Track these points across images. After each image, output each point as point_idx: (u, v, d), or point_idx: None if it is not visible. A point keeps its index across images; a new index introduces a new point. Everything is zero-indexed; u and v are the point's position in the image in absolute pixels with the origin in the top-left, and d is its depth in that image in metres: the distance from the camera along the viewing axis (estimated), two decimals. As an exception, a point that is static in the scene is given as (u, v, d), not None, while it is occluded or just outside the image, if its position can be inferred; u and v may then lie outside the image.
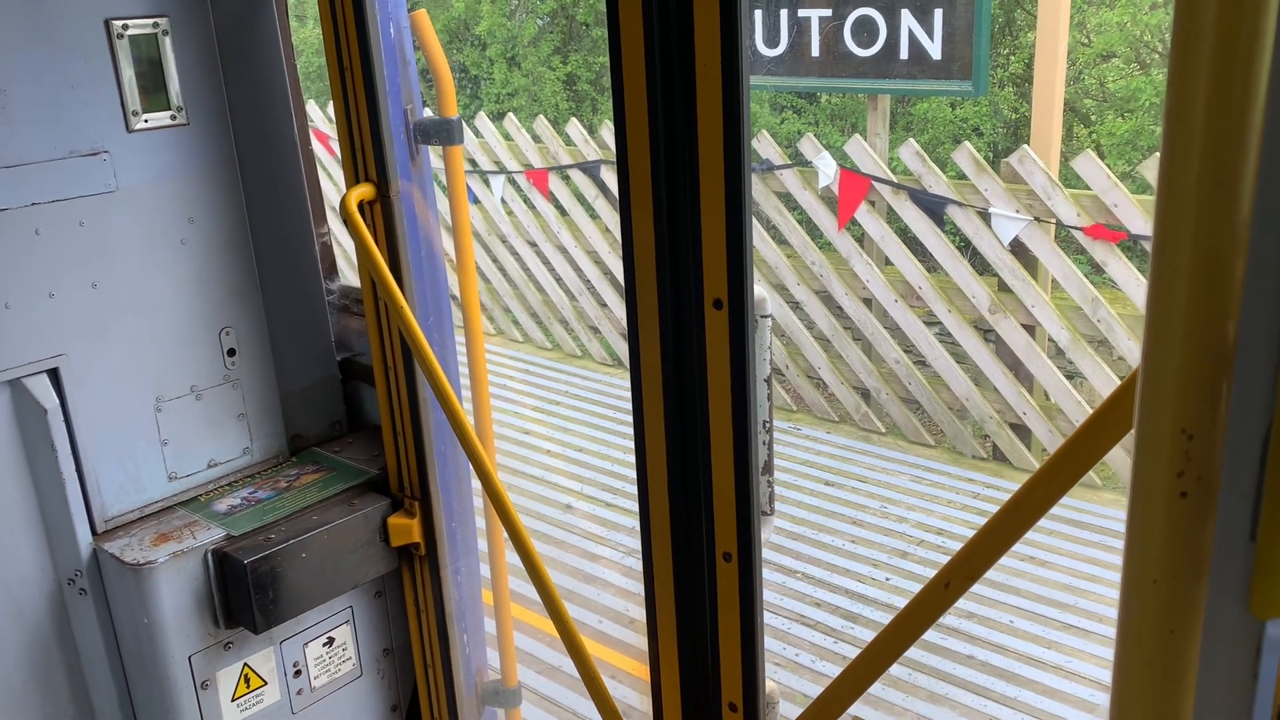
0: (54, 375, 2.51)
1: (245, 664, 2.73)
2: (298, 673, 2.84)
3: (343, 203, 2.47)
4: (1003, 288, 6.60)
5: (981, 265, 6.81)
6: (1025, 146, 6.39)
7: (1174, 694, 0.69)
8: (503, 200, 9.19)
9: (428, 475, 2.65)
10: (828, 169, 7.04)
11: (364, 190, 2.49)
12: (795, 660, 4.91)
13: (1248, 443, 0.64)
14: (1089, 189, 6.16)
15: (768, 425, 1.58)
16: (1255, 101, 0.57)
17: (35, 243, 2.44)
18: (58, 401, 2.51)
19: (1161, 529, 0.64)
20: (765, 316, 1.54)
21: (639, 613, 5.34)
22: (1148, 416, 0.62)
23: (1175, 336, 0.60)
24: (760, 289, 1.57)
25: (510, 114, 9.54)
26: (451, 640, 2.95)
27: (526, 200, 9.15)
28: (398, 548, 2.79)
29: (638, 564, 5.78)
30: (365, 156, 2.52)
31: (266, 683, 2.78)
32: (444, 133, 2.60)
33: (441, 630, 2.93)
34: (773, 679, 4.59)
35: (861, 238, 7.37)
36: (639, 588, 5.55)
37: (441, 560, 2.74)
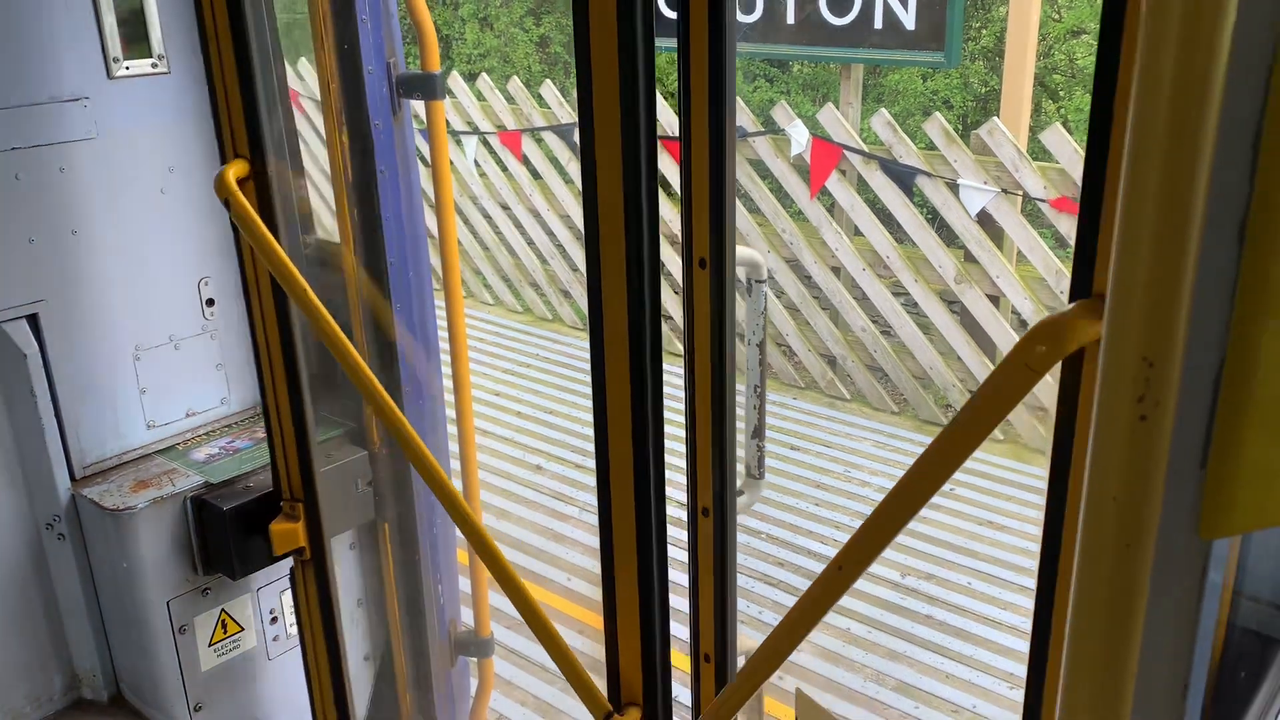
0: (33, 321, 2.52)
1: (223, 609, 2.77)
2: (274, 620, 2.88)
3: (219, 181, 2.22)
4: (969, 258, 6.70)
5: (949, 236, 6.90)
6: (995, 119, 6.46)
7: (1129, 607, 0.76)
8: (475, 162, 9.16)
9: (313, 475, 2.45)
10: (800, 137, 7.09)
11: (239, 167, 2.26)
12: (758, 618, 5.01)
13: (1202, 374, 0.70)
14: (1056, 162, 6.26)
15: (759, 390, 1.61)
16: (1219, 63, 0.63)
17: (15, 187, 2.44)
18: (37, 347, 2.52)
19: (1122, 450, 0.70)
20: (761, 281, 1.56)
21: (607, 571, 5.43)
22: (1113, 345, 0.68)
23: (1140, 272, 0.66)
24: (755, 253, 1.59)
25: (484, 74, 9.48)
26: (426, 591, 3.01)
27: (499, 162, 9.12)
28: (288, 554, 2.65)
29: (606, 524, 5.86)
30: (235, 130, 2.27)
31: (243, 628, 2.82)
32: (426, 87, 2.62)
33: (413, 583, 2.99)
34: (742, 633, 4.69)
35: (832, 206, 7.44)
36: (607, 547, 5.63)
37: (330, 564, 2.55)
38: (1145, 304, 0.66)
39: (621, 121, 1.52)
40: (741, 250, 1.54)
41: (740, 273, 1.72)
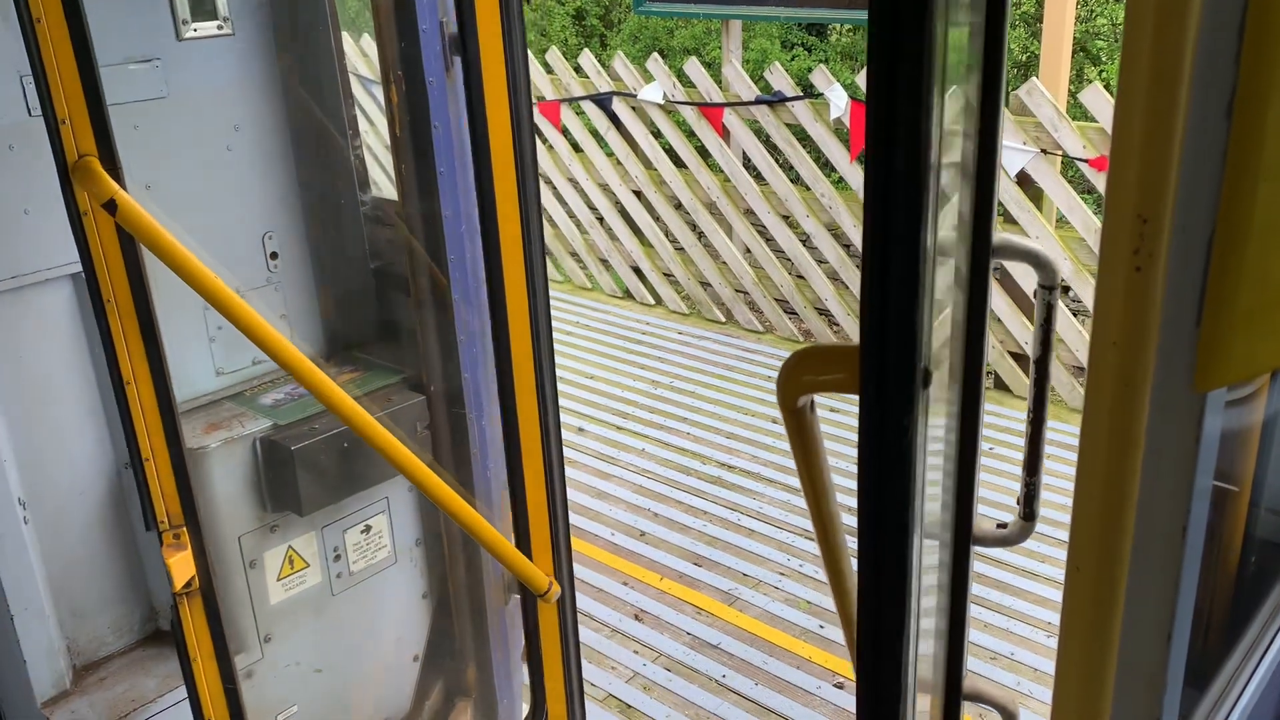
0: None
1: (290, 546, 2.92)
2: (337, 557, 3.03)
3: (91, 177, 2.04)
4: (1008, 219, 6.72)
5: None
6: (1034, 79, 6.46)
7: (1128, 447, 0.86)
8: (515, 132, 9.27)
9: (192, 495, 2.33)
10: (839, 101, 7.12)
11: (92, 168, 2.06)
12: (799, 570, 5.12)
13: (1195, 234, 0.80)
14: (1096, 122, 6.25)
15: (1036, 417, 1.26)
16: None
17: (94, 145, 2.58)
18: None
19: (1120, 298, 0.79)
20: (1050, 288, 1.25)
21: (648, 526, 5.56)
22: (1113, 204, 0.78)
23: (1135, 138, 0.76)
24: (1040, 249, 1.28)
25: (523, 46, 9.57)
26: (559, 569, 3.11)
27: (539, 132, 9.23)
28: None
29: (646, 482, 5.99)
30: (75, 126, 2.07)
31: (309, 565, 2.98)
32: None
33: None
34: (779, 587, 4.75)
35: (870, 171, 7.46)
36: (648, 504, 5.76)
37: (219, 597, 2.41)
38: (1139, 166, 0.76)
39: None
40: (1022, 243, 1.27)
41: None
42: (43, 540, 2.80)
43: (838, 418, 6.44)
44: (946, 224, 1.05)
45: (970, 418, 1.00)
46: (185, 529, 2.32)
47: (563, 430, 6.74)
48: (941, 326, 1.09)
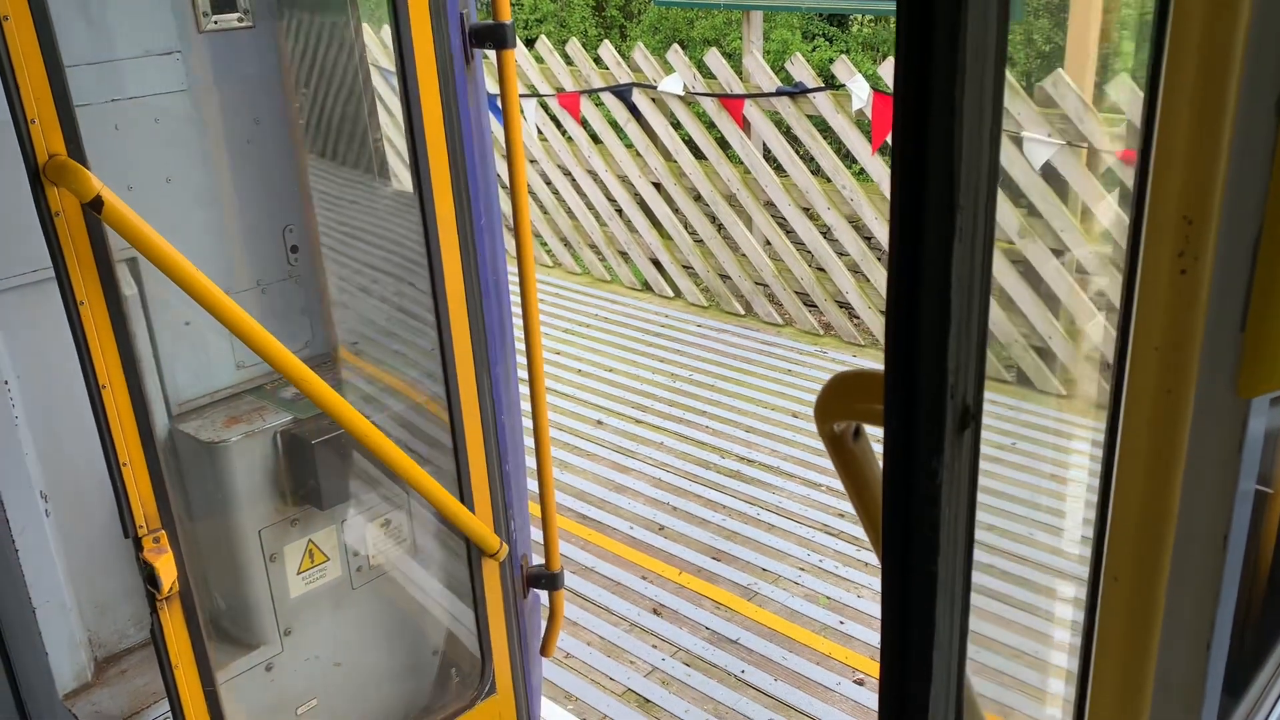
0: (133, 264, 2.67)
1: (310, 540, 2.92)
2: (357, 551, 3.03)
3: (76, 178, 2.01)
4: (1033, 212, 6.65)
5: (1014, 191, 6.85)
6: (1059, 70, 6.39)
7: (1170, 454, 0.83)
8: (535, 126, 9.25)
9: (168, 497, 2.30)
10: (861, 92, 7.06)
11: (73, 167, 2.02)
12: (819, 565, 5.10)
13: (1241, 237, 0.77)
14: (1123, 114, 6.17)
15: None
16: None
17: (114, 137, 2.58)
18: (137, 289, 2.67)
19: (1164, 301, 0.77)
20: None
21: (666, 519, 5.54)
22: (1156, 204, 0.75)
23: (1180, 136, 0.73)
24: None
25: (543, 36, 9.55)
26: (499, 526, 3.13)
27: (559, 125, 9.21)
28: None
29: (665, 475, 5.97)
30: (45, 125, 2.02)
31: (329, 559, 2.98)
32: (498, 36, 2.71)
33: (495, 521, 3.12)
34: (799, 582, 4.75)
35: (892, 163, 7.40)
36: (667, 497, 5.74)
37: (198, 601, 2.36)
38: (1184, 165, 0.73)
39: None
40: None
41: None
42: (64, 533, 2.81)
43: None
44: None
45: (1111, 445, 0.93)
46: (163, 532, 2.28)
47: (582, 423, 6.75)
48: (1005, 348, 1.06)
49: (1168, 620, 0.88)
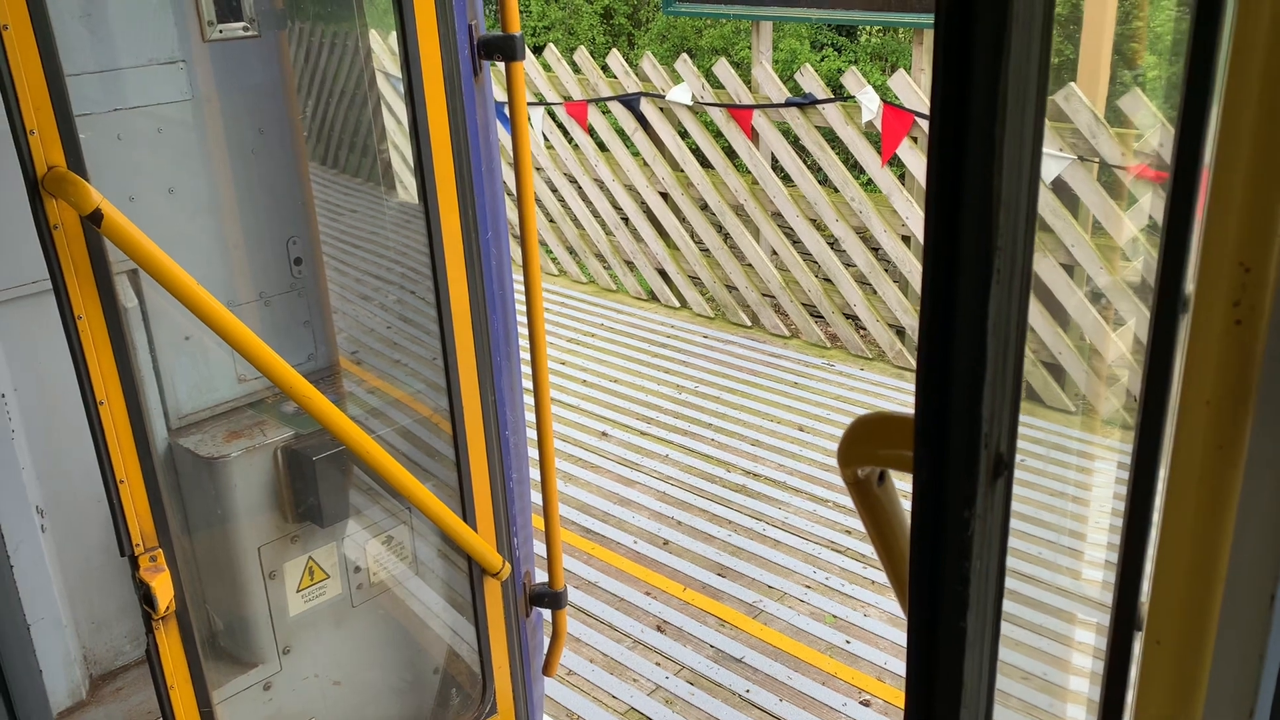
0: (134, 275, 2.63)
1: (310, 557, 2.87)
2: (358, 568, 2.99)
3: (74, 190, 1.95)
4: (1043, 227, 6.60)
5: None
6: (1071, 84, 6.34)
7: (1220, 511, 0.78)
8: (543, 135, 9.22)
9: (165, 515, 2.27)
10: (871, 104, 7.02)
11: (72, 179, 1.97)
12: (825, 583, 5.04)
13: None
14: (1135, 129, 6.13)
15: None
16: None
17: (117, 147, 2.54)
18: (137, 301, 2.63)
19: (1216, 353, 0.72)
20: None
21: (671, 534, 5.49)
22: (1211, 250, 0.71)
23: (1238, 180, 0.68)
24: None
25: (550, 45, 9.53)
26: (501, 544, 3.09)
27: (565, 133, 9.18)
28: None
29: (670, 489, 5.92)
30: (44, 136, 1.96)
31: (329, 576, 2.93)
32: (507, 47, 2.67)
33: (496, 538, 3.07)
34: (805, 600, 4.66)
35: (903, 175, 7.36)
36: (672, 511, 5.69)
37: (193, 621, 2.33)
38: (1242, 209, 0.68)
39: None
40: None
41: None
42: (60, 549, 2.77)
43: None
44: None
45: (1145, 482, 0.88)
46: (160, 550, 2.24)
47: (586, 434, 6.70)
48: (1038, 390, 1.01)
49: (1211, 686, 0.83)
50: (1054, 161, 6.27)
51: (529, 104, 9.16)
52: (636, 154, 8.78)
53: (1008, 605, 0.98)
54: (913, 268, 7.30)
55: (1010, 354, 0.82)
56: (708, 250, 8.51)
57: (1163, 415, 1.03)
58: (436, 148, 2.53)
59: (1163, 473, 0.92)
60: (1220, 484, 0.76)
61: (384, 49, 3.54)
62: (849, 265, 7.71)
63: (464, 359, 2.69)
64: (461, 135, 2.58)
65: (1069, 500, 5.58)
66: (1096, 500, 5.45)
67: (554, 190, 9.47)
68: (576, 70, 8.89)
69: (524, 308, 2.99)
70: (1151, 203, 6.01)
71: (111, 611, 2.84)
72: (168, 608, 2.24)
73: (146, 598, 2.22)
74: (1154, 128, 5.96)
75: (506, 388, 3.04)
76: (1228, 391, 0.73)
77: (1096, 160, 6.23)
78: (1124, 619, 1.06)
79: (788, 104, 7.61)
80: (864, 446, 1.01)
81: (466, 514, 2.80)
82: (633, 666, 4.55)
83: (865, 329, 7.81)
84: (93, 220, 2.01)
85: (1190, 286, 0.74)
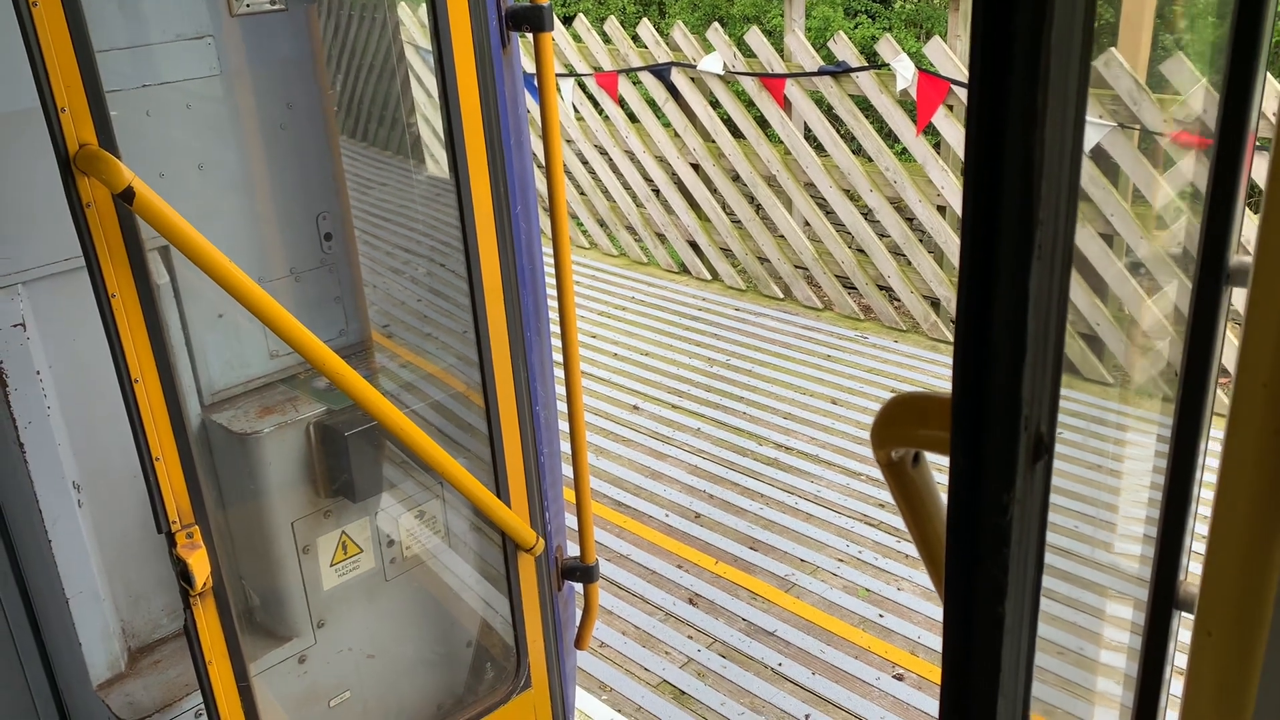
0: (165, 252, 2.63)
1: (343, 532, 2.89)
2: (391, 543, 3.00)
3: (106, 169, 1.95)
4: (1082, 196, 6.48)
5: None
6: (1112, 49, 6.20)
7: (1276, 496, 0.75)
8: (573, 106, 9.16)
9: (201, 492, 2.26)
10: (906, 72, 6.90)
11: (104, 157, 1.96)
12: (858, 556, 5.01)
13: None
14: (1178, 94, 5.98)
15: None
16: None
17: (146, 124, 2.54)
18: (169, 278, 2.63)
19: (1275, 333, 0.69)
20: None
21: (703, 507, 5.48)
22: (1271, 229, 0.67)
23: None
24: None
25: (580, 15, 9.44)
26: (534, 518, 3.09)
27: (596, 104, 9.11)
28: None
29: (701, 462, 5.91)
30: (75, 114, 1.95)
31: (362, 550, 2.94)
32: (535, 18, 2.63)
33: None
34: (837, 574, 4.67)
35: (938, 145, 7.25)
36: (704, 485, 5.68)
37: (230, 596, 2.32)
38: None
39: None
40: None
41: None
42: (97, 523, 2.80)
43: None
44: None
45: (1186, 457, 0.85)
46: (197, 527, 2.24)
47: (618, 408, 6.69)
48: (1082, 370, 0.97)
49: (1265, 677, 0.80)
50: (1093, 129, 6.14)
51: (559, 75, 9.10)
52: (667, 125, 8.71)
53: (1045, 580, 0.95)
54: (948, 238, 7.20)
55: (1051, 332, 0.79)
56: (739, 222, 8.44)
57: (1205, 390, 0.99)
58: (467, 120, 2.51)
59: (1202, 445, 0.89)
60: (1276, 469, 0.72)
61: (413, 21, 3.51)
62: (883, 236, 7.62)
63: (495, 333, 2.68)
64: (492, 107, 2.55)
65: (1106, 474, 5.51)
66: (1134, 474, 5.37)
67: (584, 162, 9.42)
68: (607, 40, 8.82)
69: (554, 281, 2.97)
70: (1195, 170, 5.87)
71: (149, 585, 2.87)
72: (204, 584, 2.26)
73: (183, 574, 2.24)
74: (1197, 92, 5.82)
75: (537, 362, 3.03)
76: (1288, 374, 0.69)
77: (1137, 127, 6.10)
78: (1163, 595, 1.02)
79: (821, 72, 7.50)
80: (898, 428, 0.99)
81: (500, 490, 2.80)
82: (665, 639, 4.55)
83: (899, 301, 7.73)
84: (125, 198, 2.00)
85: (1242, 259, 0.71)
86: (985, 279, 0.77)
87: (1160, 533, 1.08)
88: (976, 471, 0.80)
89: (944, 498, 1.13)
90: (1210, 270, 1.01)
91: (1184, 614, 0.97)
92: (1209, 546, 0.78)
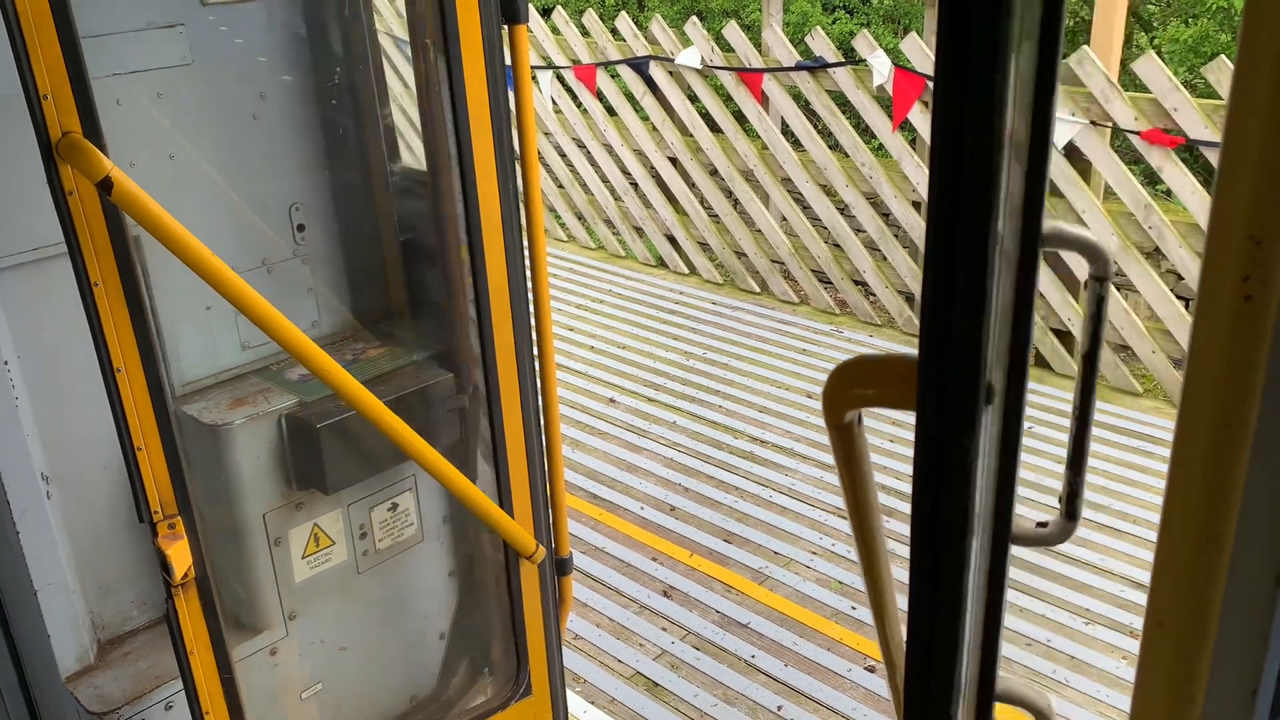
0: (136, 243, 2.61)
1: (315, 524, 2.88)
2: (363, 535, 2.99)
3: (85, 158, 1.92)
4: (1054, 192, 6.54)
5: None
6: (1085, 48, 6.25)
7: (1224, 490, 0.77)
8: (551, 99, 9.14)
9: (184, 481, 2.25)
10: (882, 68, 6.93)
11: (83, 145, 1.93)
12: (831, 549, 5.05)
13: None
14: (1149, 93, 6.04)
15: (1081, 411, 1.06)
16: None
17: (116, 113, 2.51)
18: (140, 269, 2.61)
19: (1225, 329, 0.70)
20: (1102, 279, 1.05)
21: (678, 500, 5.49)
22: (1219, 224, 0.68)
23: (1250, 148, 0.66)
24: (1094, 238, 1.09)
25: (559, 7, 9.42)
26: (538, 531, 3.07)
27: (574, 97, 9.10)
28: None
29: (677, 455, 5.92)
30: (58, 101, 1.93)
31: (334, 543, 2.94)
32: (510, 10, 2.63)
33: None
34: (810, 566, 4.69)
35: (914, 140, 7.28)
36: (679, 478, 5.69)
37: (214, 587, 2.33)
38: (1254, 179, 0.66)
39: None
40: (1076, 231, 1.07)
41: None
42: (66, 514, 2.78)
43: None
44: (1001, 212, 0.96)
45: (1013, 414, 0.92)
46: (179, 517, 2.22)
47: (594, 401, 6.69)
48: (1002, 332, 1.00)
49: (1214, 668, 0.82)
50: (1066, 127, 6.20)
51: (537, 68, 9.08)
52: (645, 118, 8.71)
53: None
54: (923, 234, 7.24)
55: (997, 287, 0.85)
56: (716, 216, 8.46)
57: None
58: (474, 110, 2.48)
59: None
60: (1226, 463, 0.74)
61: (389, 10, 3.48)
62: (859, 231, 7.65)
63: (501, 339, 2.65)
64: (500, 95, 2.52)
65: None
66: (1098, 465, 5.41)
67: (562, 155, 9.41)
68: (585, 33, 8.80)
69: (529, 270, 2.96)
70: (1161, 165, 5.93)
71: (119, 577, 2.85)
72: (185, 574, 2.24)
73: (164, 564, 2.23)
74: (1170, 92, 5.87)
75: (524, 361, 3.03)
76: (1235, 369, 0.71)
77: (1110, 125, 6.15)
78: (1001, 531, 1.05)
79: (798, 67, 7.52)
80: (855, 388, 1.02)
81: (502, 498, 2.78)
82: (639, 631, 4.57)
83: (874, 295, 7.77)
84: (103, 188, 1.98)
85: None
86: (950, 247, 0.80)
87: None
88: (942, 421, 0.84)
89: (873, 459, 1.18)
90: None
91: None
92: (1160, 538, 0.80)
